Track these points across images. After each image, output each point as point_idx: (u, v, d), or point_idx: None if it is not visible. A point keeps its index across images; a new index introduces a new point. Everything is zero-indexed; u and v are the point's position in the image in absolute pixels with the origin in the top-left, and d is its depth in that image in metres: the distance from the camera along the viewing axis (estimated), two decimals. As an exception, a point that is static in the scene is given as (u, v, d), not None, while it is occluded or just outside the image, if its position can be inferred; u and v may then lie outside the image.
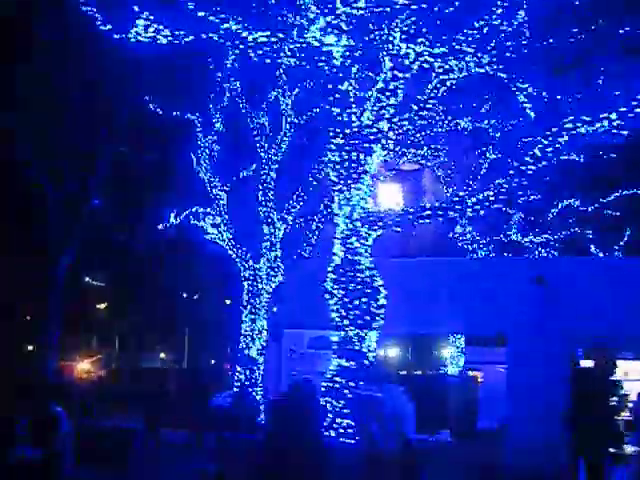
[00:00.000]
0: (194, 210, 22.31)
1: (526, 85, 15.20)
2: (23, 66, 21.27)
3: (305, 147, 21.05)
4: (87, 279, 38.46)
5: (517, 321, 14.74)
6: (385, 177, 20.48)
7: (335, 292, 12.92)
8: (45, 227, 22.58)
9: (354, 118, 13.06)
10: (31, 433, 9.61)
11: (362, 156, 13.13)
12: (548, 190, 21.26)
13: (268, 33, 12.43)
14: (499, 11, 12.75)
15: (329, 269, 13.10)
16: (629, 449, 12.50)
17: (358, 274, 12.88)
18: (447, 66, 13.21)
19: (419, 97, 14.52)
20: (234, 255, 20.40)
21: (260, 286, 19.83)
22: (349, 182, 13.18)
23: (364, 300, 12.79)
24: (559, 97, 15.13)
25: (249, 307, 19.74)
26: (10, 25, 21.31)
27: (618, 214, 23.13)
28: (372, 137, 13.03)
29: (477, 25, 12.75)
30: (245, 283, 20.01)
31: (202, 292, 41.31)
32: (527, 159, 12.78)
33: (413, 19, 12.48)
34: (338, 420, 11.84)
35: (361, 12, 12.44)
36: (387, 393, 11.31)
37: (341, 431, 11.77)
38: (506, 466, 12.75)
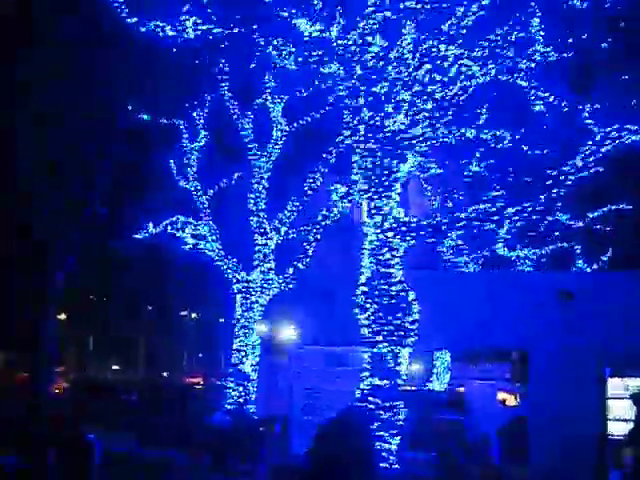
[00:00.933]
0: (174, 219, 21.31)
1: (547, 94, 14.80)
2: (22, 66, 19.95)
3: (300, 154, 20.30)
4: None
5: (540, 337, 14.21)
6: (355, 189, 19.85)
7: (368, 306, 12.18)
8: (40, 236, 21.14)
9: (387, 122, 12.39)
10: (63, 464, 8.61)
11: (394, 163, 12.46)
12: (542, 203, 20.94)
13: (319, 27, 11.69)
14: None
15: (360, 282, 12.36)
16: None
17: (392, 287, 12.18)
18: (480, 71, 12.65)
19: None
20: (224, 266, 19.45)
21: (253, 299, 18.94)
22: (380, 190, 12.50)
23: (398, 315, 12.10)
24: (580, 107, 14.83)
25: (242, 320, 18.84)
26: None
27: (608, 229, 22.96)
28: (406, 143, 12.38)
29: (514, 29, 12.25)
30: (238, 296, 19.08)
31: (165, 303, 39.94)
32: (566, 169, 12.32)
33: (454, 20, 11.90)
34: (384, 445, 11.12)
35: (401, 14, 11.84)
36: (468, 418, 10.61)
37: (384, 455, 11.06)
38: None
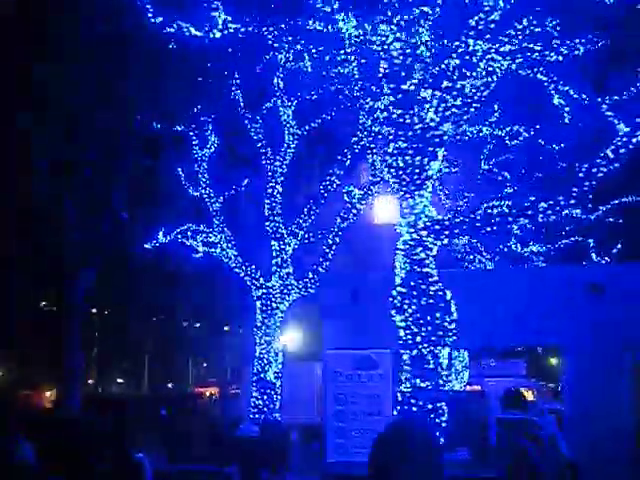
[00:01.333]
0: (185, 227, 21.11)
1: (567, 88, 14.68)
2: (39, 67, 19.64)
3: (315, 157, 20.15)
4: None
5: (575, 332, 14.07)
6: (373, 191, 19.72)
7: (405, 307, 11.98)
8: (59, 246, 20.79)
9: (416, 120, 12.21)
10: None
11: (426, 160, 12.28)
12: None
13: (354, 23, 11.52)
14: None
15: (397, 281, 12.16)
16: None
17: (430, 287, 12.00)
18: (506, 66, 12.51)
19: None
20: (242, 273, 19.25)
21: (274, 305, 18.75)
22: (412, 188, 12.30)
23: (437, 315, 11.92)
24: (600, 100, 14.72)
25: (264, 328, 18.64)
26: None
27: (620, 221, 22.84)
28: (437, 140, 12.22)
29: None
30: (257, 303, 18.89)
31: (165, 314, 39.64)
32: (598, 161, 12.17)
33: (482, 15, 11.74)
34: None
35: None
36: (540, 416, 10.39)
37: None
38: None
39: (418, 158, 12.23)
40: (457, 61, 11.88)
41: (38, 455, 8.86)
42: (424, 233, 12.27)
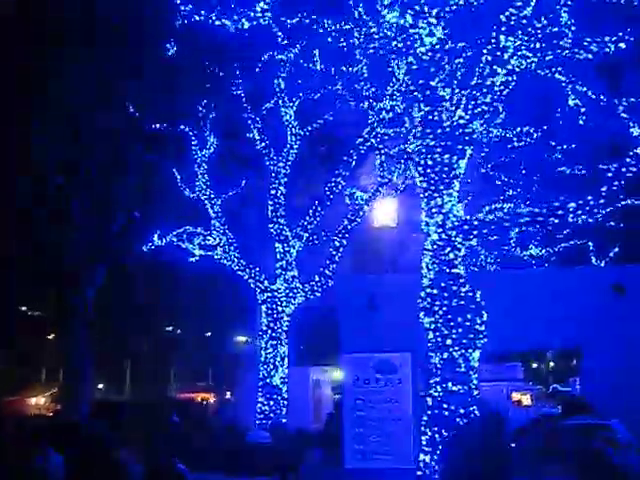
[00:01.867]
0: (182, 230, 20.68)
1: (584, 88, 14.54)
2: (39, 66, 19.09)
3: (320, 158, 19.84)
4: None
5: (594, 333, 13.90)
6: (379, 193, 19.50)
7: (436, 309, 11.69)
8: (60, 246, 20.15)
9: (445, 117, 11.95)
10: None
11: (455, 159, 12.02)
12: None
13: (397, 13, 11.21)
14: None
15: (425, 283, 11.87)
16: None
17: (461, 288, 11.72)
18: (532, 63, 12.31)
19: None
20: (246, 276, 18.85)
21: (280, 309, 18.36)
22: (441, 187, 12.01)
23: (468, 316, 11.64)
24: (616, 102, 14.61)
25: (269, 332, 18.24)
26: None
27: (621, 225, 22.78)
28: (467, 138, 11.96)
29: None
30: (263, 307, 18.50)
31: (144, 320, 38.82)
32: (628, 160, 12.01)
33: (513, 10, 11.52)
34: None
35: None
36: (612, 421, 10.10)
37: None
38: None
39: (447, 156, 11.95)
40: (489, 57, 11.64)
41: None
42: (453, 233, 12.00)
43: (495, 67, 11.69)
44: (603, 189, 12.10)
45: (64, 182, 19.86)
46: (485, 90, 11.79)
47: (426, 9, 11.61)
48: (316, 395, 24.24)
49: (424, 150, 12.06)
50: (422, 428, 11.74)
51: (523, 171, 20.14)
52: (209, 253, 20.08)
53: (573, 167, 18.26)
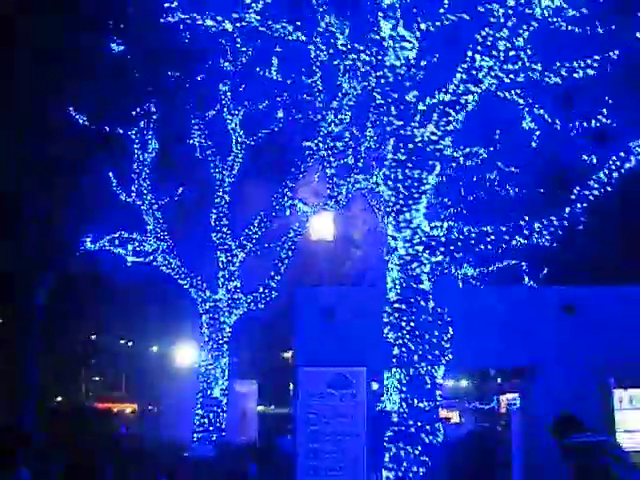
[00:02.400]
0: (117, 235, 20.05)
1: (542, 111, 14.84)
2: None
3: (267, 167, 19.58)
4: None
5: (546, 352, 14.10)
6: (317, 206, 19.43)
7: (403, 324, 11.61)
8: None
9: (417, 132, 11.93)
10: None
11: (425, 174, 12.01)
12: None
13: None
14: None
15: (392, 298, 11.78)
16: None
17: (429, 304, 11.69)
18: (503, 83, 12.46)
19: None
20: (187, 285, 18.37)
21: (222, 319, 17.96)
22: (410, 202, 11.98)
23: (436, 333, 11.62)
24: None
25: (211, 343, 17.81)
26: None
27: (553, 244, 23.27)
28: (437, 154, 11.97)
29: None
30: (204, 317, 18.06)
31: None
32: (591, 183, 12.27)
33: (489, 30, 11.62)
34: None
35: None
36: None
37: None
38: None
39: (417, 171, 11.94)
40: (464, 75, 11.70)
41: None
42: (420, 248, 11.97)
43: (469, 85, 11.75)
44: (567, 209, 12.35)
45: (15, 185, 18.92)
46: (458, 107, 11.84)
47: (401, 25, 11.60)
48: (241, 408, 23.90)
49: (394, 164, 12.02)
50: (385, 444, 11.62)
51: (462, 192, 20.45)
52: (142, 259, 19.55)
53: (518, 190, 18.60)
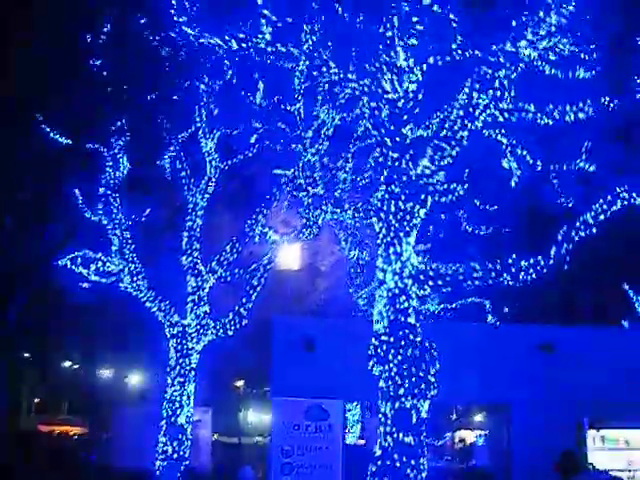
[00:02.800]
0: (81, 254, 19.54)
1: (525, 152, 15.01)
2: None
3: (241, 194, 19.38)
4: None
5: (520, 390, 14.20)
6: (285, 236, 19.30)
7: (390, 358, 11.50)
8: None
9: (412, 165, 11.95)
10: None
11: (417, 207, 12.01)
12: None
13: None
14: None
15: (379, 331, 11.68)
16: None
17: (416, 338, 11.62)
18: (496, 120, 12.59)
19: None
20: (155, 308, 17.95)
21: (190, 345, 17.58)
22: (401, 235, 11.96)
23: (423, 367, 11.54)
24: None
25: (178, 369, 17.39)
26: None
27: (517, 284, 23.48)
28: (430, 188, 11.99)
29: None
30: (171, 341, 17.64)
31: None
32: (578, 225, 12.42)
33: (487, 69, 11.75)
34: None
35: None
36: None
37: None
38: None
39: (410, 204, 11.94)
40: (461, 112, 11.79)
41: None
42: (409, 282, 11.93)
43: (466, 122, 11.84)
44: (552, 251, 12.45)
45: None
46: (454, 143, 11.91)
47: (402, 58, 11.64)
48: (194, 435, 23.43)
49: (387, 196, 11.99)
50: (369, 479, 11.45)
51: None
52: (105, 280, 19.10)
53: (487, 228, 18.78)
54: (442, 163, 11.99)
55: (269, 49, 11.09)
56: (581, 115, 12.47)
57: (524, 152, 14.95)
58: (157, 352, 21.81)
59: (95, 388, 31.13)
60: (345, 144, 18.01)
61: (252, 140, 19.20)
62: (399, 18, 11.32)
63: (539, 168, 15.18)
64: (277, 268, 22.21)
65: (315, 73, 12.04)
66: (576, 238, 12.50)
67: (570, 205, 14.72)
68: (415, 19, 11.26)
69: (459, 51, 11.38)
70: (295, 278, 23.74)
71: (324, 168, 17.48)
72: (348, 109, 16.97)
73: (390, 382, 11.52)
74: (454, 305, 23.92)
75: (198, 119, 19.14)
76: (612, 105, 12.37)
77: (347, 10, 11.81)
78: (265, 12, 10.90)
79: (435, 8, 11.09)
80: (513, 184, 15.96)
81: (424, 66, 11.54)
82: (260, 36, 10.79)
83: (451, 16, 11.17)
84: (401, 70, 11.41)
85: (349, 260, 23.88)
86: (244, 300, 17.66)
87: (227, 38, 10.88)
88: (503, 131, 14.21)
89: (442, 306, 23.82)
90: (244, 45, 10.98)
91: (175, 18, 10.95)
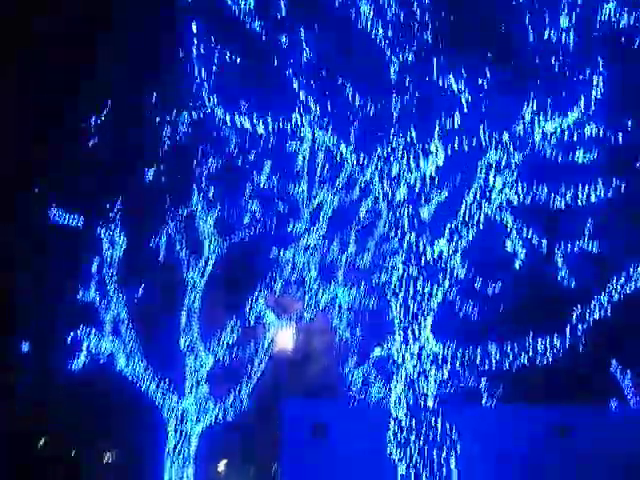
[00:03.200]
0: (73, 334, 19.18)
1: (530, 233, 15.13)
2: None
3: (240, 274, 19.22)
4: None
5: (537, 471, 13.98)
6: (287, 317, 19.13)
7: (411, 442, 11.28)
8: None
9: (429, 249, 11.97)
10: None
11: (435, 289, 11.98)
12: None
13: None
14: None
15: (398, 416, 11.48)
16: None
17: (437, 422, 11.43)
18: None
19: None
20: (153, 389, 17.52)
21: (190, 428, 17.12)
22: (419, 317, 11.90)
23: (442, 452, 11.32)
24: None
25: (177, 452, 16.89)
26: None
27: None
28: (448, 270, 12.00)
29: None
30: (171, 424, 17.17)
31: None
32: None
33: (501, 153, 11.92)
34: None
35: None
36: None
37: None
38: None
39: (428, 287, 11.92)
40: (477, 195, 11.90)
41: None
42: (427, 365, 11.81)
43: (482, 203, 11.94)
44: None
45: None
46: (471, 225, 11.98)
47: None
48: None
49: (405, 278, 11.97)
50: None
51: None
52: (98, 359, 18.70)
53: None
54: (460, 246, 12.02)
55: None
56: (593, 198, 12.66)
57: (530, 233, 15.19)
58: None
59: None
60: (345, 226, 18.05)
61: (248, 221, 19.19)
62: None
63: (545, 250, 15.38)
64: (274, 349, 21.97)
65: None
66: (590, 320, 12.52)
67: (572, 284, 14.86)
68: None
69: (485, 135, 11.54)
70: (289, 360, 23.36)
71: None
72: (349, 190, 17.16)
73: (412, 468, 11.27)
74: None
75: (199, 197, 19.13)
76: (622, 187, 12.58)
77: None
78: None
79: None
80: (517, 266, 16.17)
81: (449, 149, 11.67)
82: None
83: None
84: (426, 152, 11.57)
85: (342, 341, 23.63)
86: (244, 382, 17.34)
87: (255, 122, 10.94)
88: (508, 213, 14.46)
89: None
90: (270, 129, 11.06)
91: (204, 94, 11.01)
